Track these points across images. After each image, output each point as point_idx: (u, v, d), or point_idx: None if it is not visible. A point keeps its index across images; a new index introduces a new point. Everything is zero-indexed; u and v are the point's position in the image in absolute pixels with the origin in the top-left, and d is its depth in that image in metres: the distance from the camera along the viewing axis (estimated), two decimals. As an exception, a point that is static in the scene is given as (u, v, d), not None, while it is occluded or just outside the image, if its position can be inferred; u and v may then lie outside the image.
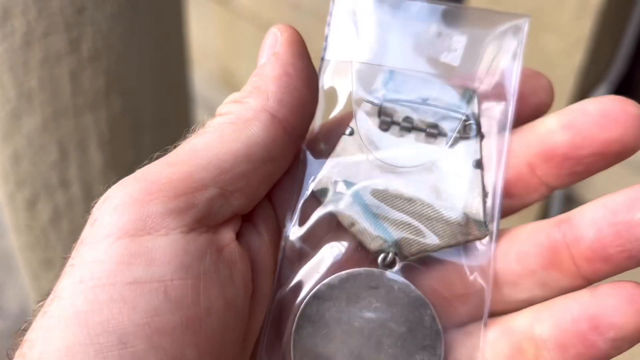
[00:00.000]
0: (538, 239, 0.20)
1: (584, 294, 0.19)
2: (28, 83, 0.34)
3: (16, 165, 0.37)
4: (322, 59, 0.22)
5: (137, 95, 0.38)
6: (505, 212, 0.21)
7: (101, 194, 0.18)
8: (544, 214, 0.75)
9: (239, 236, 0.19)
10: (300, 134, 0.20)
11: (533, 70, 0.22)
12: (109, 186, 0.18)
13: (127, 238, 0.16)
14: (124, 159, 0.38)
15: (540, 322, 0.19)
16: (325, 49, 0.22)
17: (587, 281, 0.19)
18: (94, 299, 0.16)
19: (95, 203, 0.18)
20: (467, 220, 0.21)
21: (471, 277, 0.21)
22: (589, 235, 0.18)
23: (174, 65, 0.43)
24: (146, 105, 0.39)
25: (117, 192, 0.17)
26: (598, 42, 0.50)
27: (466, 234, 0.21)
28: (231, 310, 0.17)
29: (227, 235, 0.18)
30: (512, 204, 0.22)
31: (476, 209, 0.21)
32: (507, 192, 0.21)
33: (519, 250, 0.20)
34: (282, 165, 0.20)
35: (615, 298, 0.18)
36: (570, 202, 0.74)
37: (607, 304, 0.18)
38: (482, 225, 0.21)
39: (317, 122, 0.22)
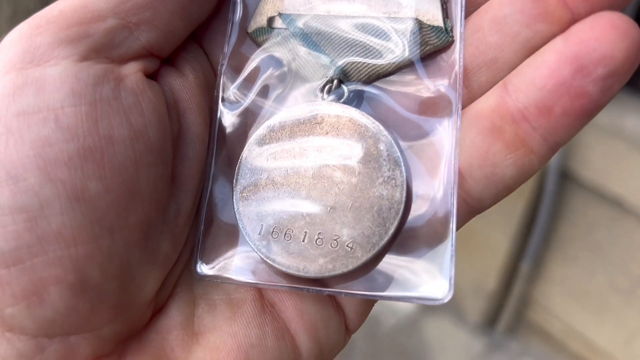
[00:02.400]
0: None
1: (555, 41, 0.15)
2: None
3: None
4: None
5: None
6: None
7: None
8: (539, 191, 0.68)
9: (157, 77, 0.17)
10: None
11: None
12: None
13: (14, 72, 0.15)
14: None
15: (512, 92, 0.16)
16: None
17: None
18: None
19: None
20: (422, 28, 0.17)
21: (435, 85, 0.17)
22: None
23: None
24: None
25: (8, 35, 0.16)
26: None
27: (424, 43, 0.17)
28: (141, 141, 0.15)
29: (133, 68, 0.16)
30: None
31: (433, 15, 0.17)
32: None
33: (494, 17, 0.17)
34: None
35: (595, 29, 0.14)
36: (565, 178, 0.67)
37: (588, 38, 0.15)
38: (442, 32, 0.17)
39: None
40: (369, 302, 0.18)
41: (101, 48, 0.15)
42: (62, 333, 0.15)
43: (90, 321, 0.15)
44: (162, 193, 0.16)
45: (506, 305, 0.78)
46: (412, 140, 0.18)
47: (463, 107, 0.17)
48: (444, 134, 0.17)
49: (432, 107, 0.17)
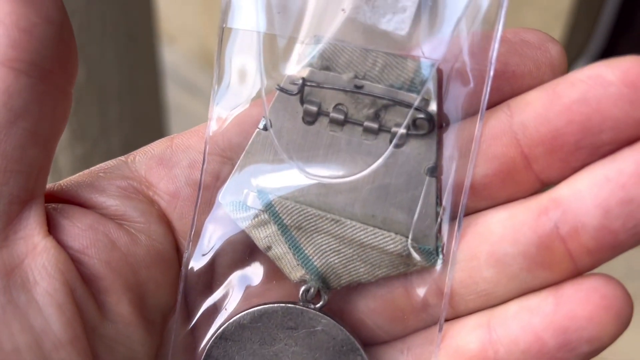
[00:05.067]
0: (520, 236, 0.15)
1: (546, 302, 0.15)
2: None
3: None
4: (222, 27, 0.16)
5: (101, 64, 0.34)
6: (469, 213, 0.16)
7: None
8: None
9: (74, 249, 0.15)
10: (50, 68, 0.15)
11: (527, 32, 0.16)
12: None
13: None
14: (90, 131, 0.35)
15: (495, 343, 0.15)
16: (225, 14, 0.16)
17: (580, 273, 0.15)
18: None
19: None
20: (412, 249, 0.16)
21: (420, 296, 0.16)
22: (592, 222, 0.14)
23: (140, 36, 0.39)
24: (111, 74, 0.35)
25: None
26: (577, 16, 0.50)
27: (411, 264, 0.16)
28: (48, 340, 0.14)
29: (21, 243, 0.15)
30: (480, 206, 0.16)
31: (425, 232, 0.16)
32: (480, 194, 0.16)
33: (494, 252, 0.15)
34: (48, 113, 0.15)
35: (586, 305, 0.14)
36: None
37: (577, 314, 0.14)
38: (432, 254, 0.16)
39: (215, 112, 0.17)
40: None
41: None
42: None
43: None
44: None
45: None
46: (390, 347, 0.17)
47: (445, 320, 0.16)
48: (422, 351, 0.16)
49: (413, 321, 0.17)
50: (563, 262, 0.15)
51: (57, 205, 0.16)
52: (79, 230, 0.16)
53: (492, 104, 0.16)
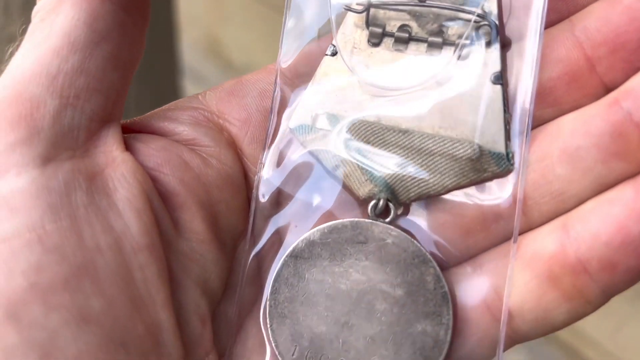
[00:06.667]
0: (592, 127, 0.15)
1: (625, 191, 0.15)
2: (9, 28, 0.33)
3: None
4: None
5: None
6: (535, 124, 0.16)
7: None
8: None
9: (150, 165, 0.16)
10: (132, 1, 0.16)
11: None
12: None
13: None
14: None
15: (574, 240, 0.15)
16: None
17: None
18: None
19: None
20: (482, 154, 0.16)
21: (491, 207, 0.16)
22: None
23: (158, 22, 0.41)
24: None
25: None
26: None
27: (482, 170, 0.16)
28: (127, 243, 0.15)
29: (101, 155, 0.15)
30: (546, 115, 0.16)
31: (494, 138, 0.16)
32: (545, 99, 0.16)
33: (566, 148, 0.15)
34: (126, 42, 0.16)
35: None
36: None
37: None
38: (503, 159, 0.16)
39: (288, 43, 0.18)
40: None
41: (56, 140, 0.14)
42: None
43: None
44: (163, 294, 0.15)
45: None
46: (461, 266, 0.17)
47: (519, 234, 0.16)
48: (496, 265, 0.16)
49: (485, 234, 0.16)
50: (639, 151, 0.15)
51: (130, 134, 0.17)
52: (153, 151, 0.16)
53: (551, 24, 0.16)
